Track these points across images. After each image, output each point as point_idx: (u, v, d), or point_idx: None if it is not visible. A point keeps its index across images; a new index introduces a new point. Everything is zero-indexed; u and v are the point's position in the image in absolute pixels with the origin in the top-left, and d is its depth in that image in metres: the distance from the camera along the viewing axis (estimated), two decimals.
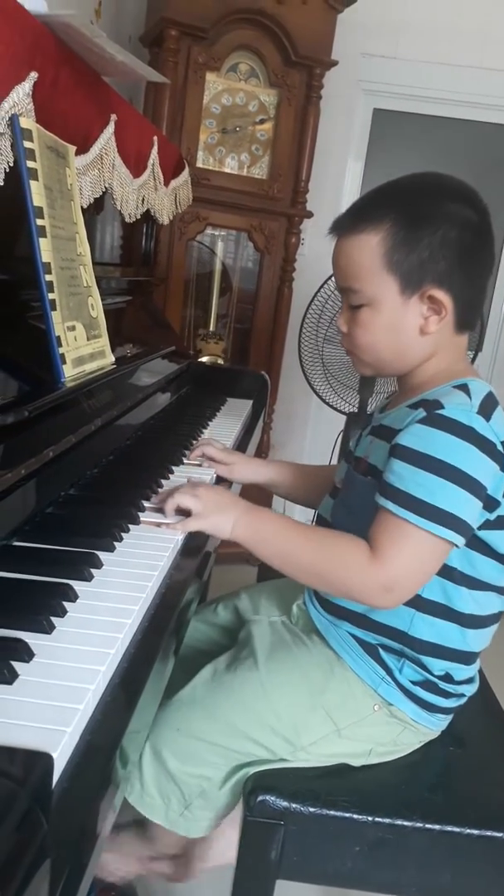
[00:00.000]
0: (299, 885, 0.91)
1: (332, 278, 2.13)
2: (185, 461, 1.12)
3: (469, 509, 0.79)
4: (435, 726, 0.93)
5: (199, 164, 2.29)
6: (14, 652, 0.54)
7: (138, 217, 1.33)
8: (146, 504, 0.91)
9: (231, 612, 1.10)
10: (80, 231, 1.03)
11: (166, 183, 1.52)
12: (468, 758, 0.96)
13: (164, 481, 1.01)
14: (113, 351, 1.12)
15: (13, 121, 0.80)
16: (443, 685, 0.90)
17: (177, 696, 0.91)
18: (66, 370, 0.91)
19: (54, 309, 0.90)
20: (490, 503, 0.81)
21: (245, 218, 2.39)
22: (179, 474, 1.05)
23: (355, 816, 0.84)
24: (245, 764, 0.89)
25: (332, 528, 0.94)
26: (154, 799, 0.88)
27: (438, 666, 0.88)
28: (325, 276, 2.19)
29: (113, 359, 1.11)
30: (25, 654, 0.55)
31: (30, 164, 0.84)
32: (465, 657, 0.90)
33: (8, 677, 0.52)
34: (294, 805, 0.85)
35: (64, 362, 0.91)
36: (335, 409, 2.33)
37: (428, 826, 0.84)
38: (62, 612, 0.62)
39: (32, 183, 0.85)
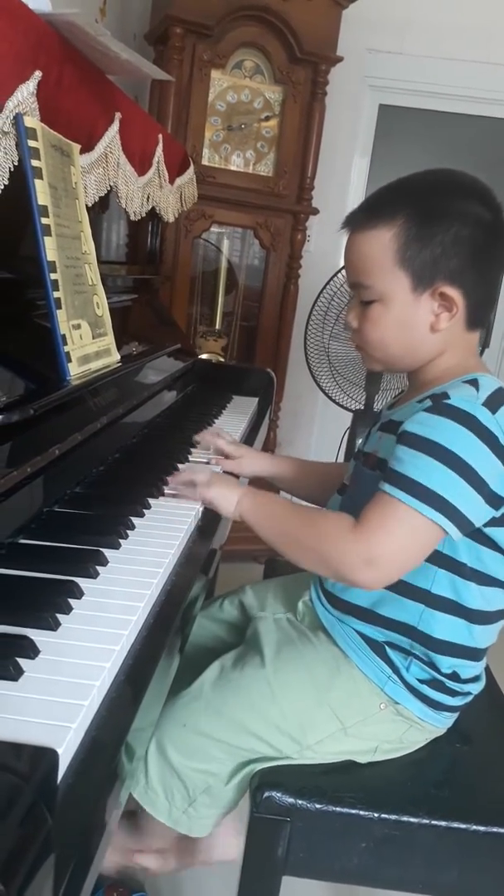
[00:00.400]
0: (306, 881, 0.91)
1: (338, 274, 2.14)
2: (192, 457, 1.13)
3: (463, 497, 0.78)
4: (441, 724, 0.93)
5: (205, 162, 2.29)
6: (20, 649, 0.55)
7: (143, 215, 1.33)
8: (164, 490, 0.97)
9: (236, 609, 1.11)
10: (84, 229, 1.04)
11: (171, 181, 1.52)
12: (474, 754, 0.96)
13: (170, 479, 1.01)
14: (119, 349, 1.13)
15: (17, 120, 0.80)
16: (450, 684, 0.89)
17: (183, 693, 0.91)
18: (71, 368, 0.92)
19: (59, 307, 0.90)
20: (495, 500, 0.81)
21: (251, 215, 2.39)
22: None
23: (361, 813, 0.84)
24: (250, 761, 0.89)
25: None
26: (158, 795, 0.88)
27: (447, 663, 0.88)
28: (330, 272, 2.18)
29: (118, 357, 1.12)
30: (31, 650, 0.55)
31: (34, 162, 0.84)
32: (473, 653, 0.90)
33: (14, 674, 0.52)
34: (300, 801, 0.85)
35: (69, 360, 0.92)
36: (342, 406, 2.32)
37: (434, 823, 0.84)
38: (68, 610, 0.62)
39: (37, 182, 0.86)
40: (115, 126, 1.13)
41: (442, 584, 0.86)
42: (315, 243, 2.65)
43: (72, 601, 0.64)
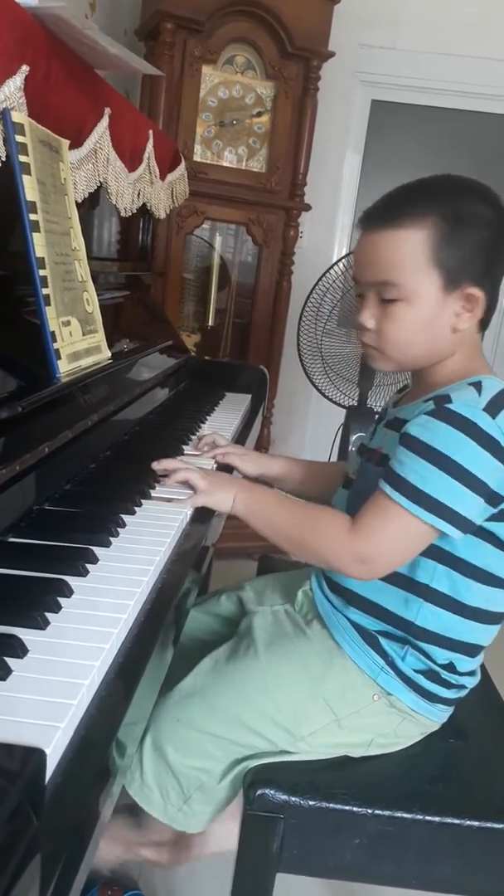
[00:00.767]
0: (300, 878, 0.91)
1: (330, 270, 2.14)
2: (186, 452, 1.12)
3: (463, 502, 0.80)
4: (435, 717, 0.93)
5: (197, 158, 2.28)
6: (8, 648, 0.54)
7: (134, 211, 1.32)
8: (155, 487, 0.96)
9: (234, 603, 1.11)
10: (74, 226, 1.03)
11: (162, 177, 1.51)
12: (469, 750, 0.96)
13: (162, 477, 1.00)
14: (110, 346, 1.12)
15: (5, 115, 0.80)
16: (445, 675, 0.90)
17: (177, 687, 0.91)
18: (60, 365, 0.91)
19: (48, 304, 0.90)
20: (494, 499, 0.82)
21: (243, 211, 2.38)
22: None
23: (355, 809, 0.84)
24: (244, 757, 0.89)
25: None
26: (153, 792, 0.89)
27: (443, 655, 0.89)
28: (323, 269, 2.18)
29: (109, 354, 1.11)
30: (19, 649, 0.55)
31: (22, 158, 0.84)
32: (470, 649, 0.90)
33: (1, 673, 0.52)
34: (294, 798, 0.85)
35: (59, 357, 0.91)
36: (335, 402, 2.32)
37: (428, 818, 0.84)
38: (57, 608, 0.62)
39: (25, 177, 0.85)
40: (105, 121, 1.12)
41: (439, 579, 0.86)
42: (307, 239, 2.64)
43: (61, 600, 0.63)
